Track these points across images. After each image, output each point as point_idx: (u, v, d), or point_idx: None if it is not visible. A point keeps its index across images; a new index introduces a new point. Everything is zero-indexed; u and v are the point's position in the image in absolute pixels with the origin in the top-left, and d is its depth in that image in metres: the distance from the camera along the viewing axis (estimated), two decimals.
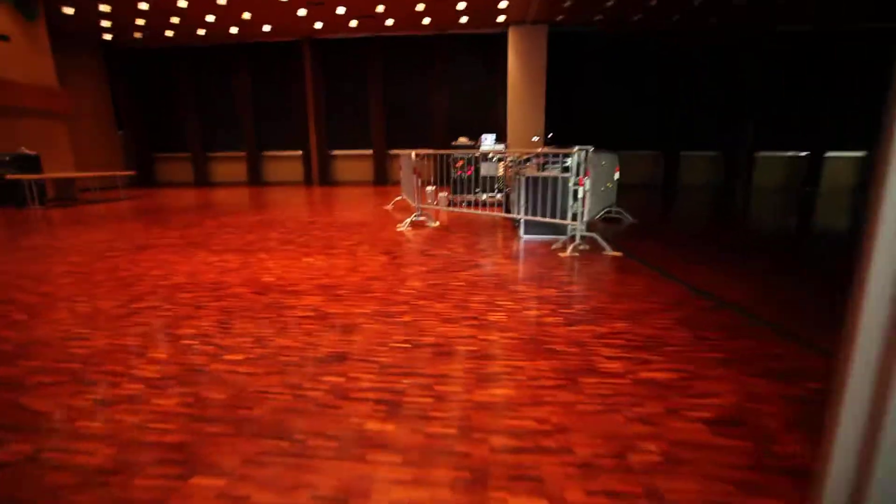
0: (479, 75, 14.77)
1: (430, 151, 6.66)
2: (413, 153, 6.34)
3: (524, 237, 5.67)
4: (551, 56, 13.82)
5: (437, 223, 6.76)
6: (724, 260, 4.59)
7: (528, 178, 5.52)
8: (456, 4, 12.00)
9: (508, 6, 12.09)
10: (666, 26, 13.43)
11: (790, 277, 4.02)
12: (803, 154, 14.25)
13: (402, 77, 15.08)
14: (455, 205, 8.97)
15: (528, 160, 5.99)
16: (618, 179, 7.24)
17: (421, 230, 6.33)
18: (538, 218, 5.31)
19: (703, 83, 14.23)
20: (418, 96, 15.13)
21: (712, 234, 6.28)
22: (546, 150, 5.18)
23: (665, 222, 7.31)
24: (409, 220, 6.46)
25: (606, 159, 6.03)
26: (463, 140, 9.42)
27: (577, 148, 4.71)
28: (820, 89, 13.97)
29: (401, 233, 6.08)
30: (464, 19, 13.19)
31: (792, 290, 3.61)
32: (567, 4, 12.07)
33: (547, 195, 5.33)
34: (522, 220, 5.61)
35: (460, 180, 8.97)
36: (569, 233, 5.12)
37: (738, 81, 14.09)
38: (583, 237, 4.99)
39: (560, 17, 12.88)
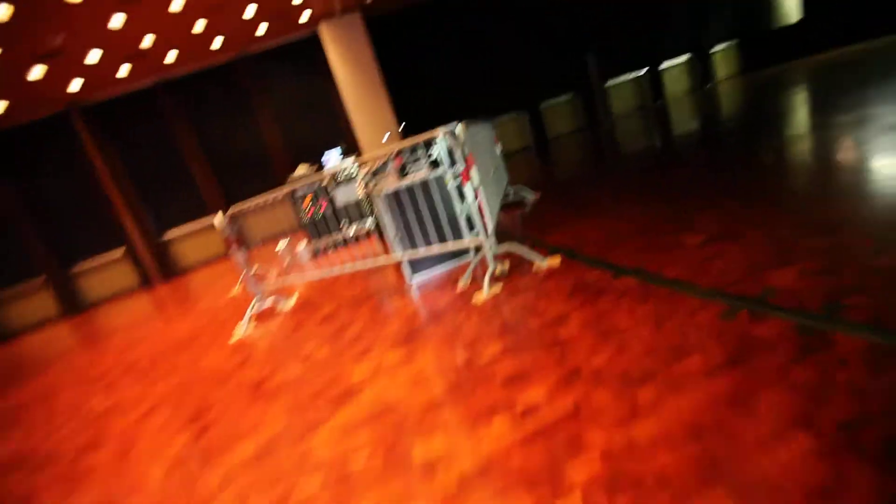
0: (305, 87, 12.60)
1: (252, 203, 4.45)
2: (218, 217, 4.14)
3: (414, 281, 3.84)
4: (379, 42, 12.16)
5: (294, 300, 4.66)
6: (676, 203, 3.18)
7: (387, 197, 3.69)
8: (242, 13, 9.74)
9: (306, 1, 10.13)
10: None
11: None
12: (643, 72, 14.34)
13: (214, 118, 12.36)
14: (319, 252, 6.87)
15: (381, 169, 4.16)
16: (501, 153, 5.73)
17: (269, 323, 4.20)
18: (422, 252, 3.51)
19: (538, 30, 13.60)
20: (242, 132, 12.53)
21: (622, 179, 5.04)
22: (398, 144, 3.40)
23: (571, 184, 5.98)
24: (249, 313, 4.28)
25: (481, 133, 4.41)
26: (302, 169, 7.31)
27: (441, 130, 2.97)
28: (643, 9, 14.11)
29: (239, 343, 3.90)
30: (262, 29, 10.94)
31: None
32: None
33: (423, 212, 3.55)
34: (404, 262, 3.77)
35: (316, 221, 6.89)
36: (474, 256, 3.38)
37: (568, 19, 13.68)
38: (496, 255, 3.29)
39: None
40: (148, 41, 9.43)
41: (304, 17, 10.97)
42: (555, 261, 3.15)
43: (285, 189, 4.13)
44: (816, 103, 6.04)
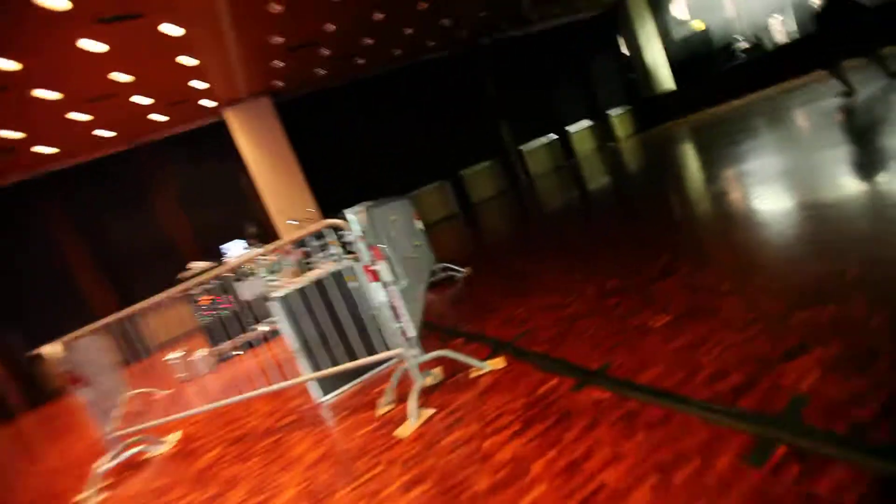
0: (213, 172, 11.63)
1: (139, 306, 3.30)
2: (49, 348, 3.05)
3: (323, 400, 3.00)
4: (292, 123, 11.69)
5: (171, 442, 3.56)
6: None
7: (283, 299, 2.91)
8: (131, 104, 8.88)
9: (210, 89, 9.54)
10: (393, 61, 12.74)
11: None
12: (554, 137, 15.18)
13: (105, 212, 10.92)
14: (220, 360, 5.75)
15: (278, 268, 3.39)
16: (422, 229, 5.20)
17: (127, 485, 3.07)
18: (327, 373, 2.73)
19: (452, 102, 14.00)
20: (141, 225, 11.14)
21: (555, 242, 4.69)
22: (299, 232, 2.68)
23: (502, 253, 5.56)
24: (102, 468, 3.11)
25: (396, 212, 3.85)
26: (197, 266, 6.28)
27: (347, 214, 2.33)
28: (545, 80, 15.19)
29: None
30: (159, 118, 10.08)
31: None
32: (279, 74, 10.23)
33: (325, 318, 2.81)
34: (309, 383, 2.95)
35: (218, 321, 5.82)
36: (396, 372, 2.64)
37: (480, 91, 14.27)
38: (424, 364, 2.58)
39: (279, 84, 10.90)
40: (15, 135, 8.22)
41: (208, 103, 10.34)
42: (498, 363, 2.51)
43: (176, 289, 3.19)
44: (708, 157, 6.31)
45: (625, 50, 16.50)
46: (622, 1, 15.40)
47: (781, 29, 14.41)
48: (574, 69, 15.87)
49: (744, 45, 14.62)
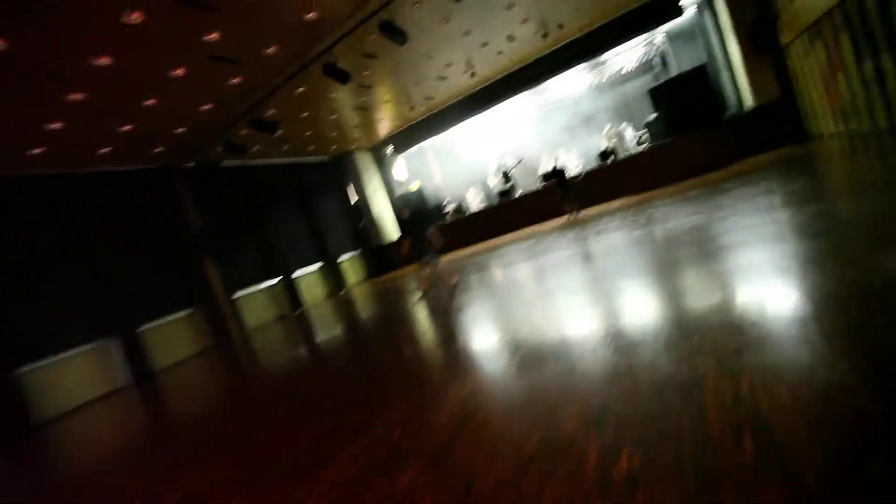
0: None
1: None
2: None
3: None
4: None
5: None
6: None
7: None
8: None
9: None
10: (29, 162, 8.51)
11: None
12: (276, 281, 13.04)
13: None
14: None
15: None
16: None
17: None
18: None
19: (136, 230, 10.25)
20: None
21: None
22: None
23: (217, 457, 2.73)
24: None
25: None
26: None
27: None
28: (269, 218, 13.25)
29: None
30: None
31: None
32: None
33: None
34: None
35: None
36: None
37: (180, 224, 11.07)
38: None
39: None
40: None
41: None
42: None
43: None
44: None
45: (353, 197, 16.68)
46: (349, 154, 15.83)
47: (475, 199, 17.18)
48: (303, 210, 14.75)
49: (452, 206, 16.74)
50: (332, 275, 14.68)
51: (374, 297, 10.67)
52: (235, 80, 8.09)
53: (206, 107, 8.72)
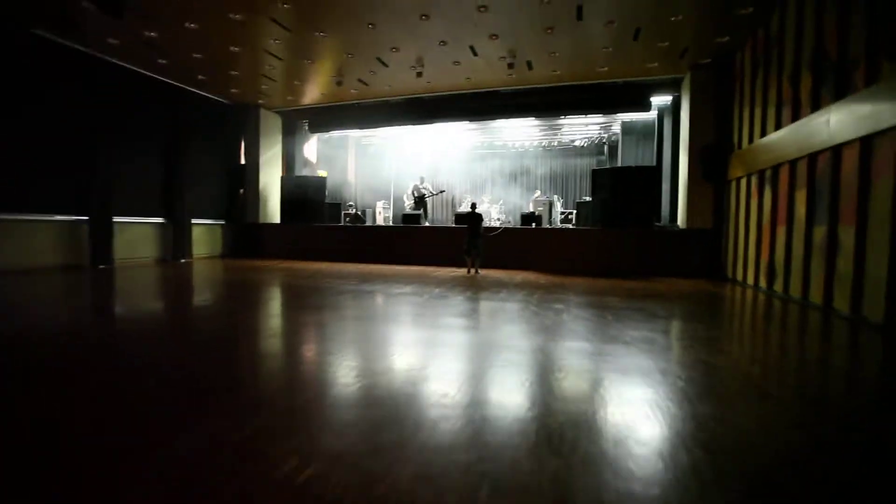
0: None
1: None
2: None
3: None
4: None
5: None
6: None
7: None
8: None
9: None
10: None
11: None
12: (82, 219, 9.78)
13: None
14: None
15: None
16: None
17: None
18: None
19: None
20: None
21: None
22: None
23: None
24: None
25: None
26: None
27: None
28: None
29: None
30: None
31: None
32: None
33: None
34: None
35: None
36: None
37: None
38: None
39: None
40: None
41: None
42: None
43: None
44: None
45: (242, 159, 13.85)
46: (254, 108, 13.10)
47: (382, 213, 15.25)
48: (157, 145, 11.62)
49: (352, 211, 14.74)
50: (175, 237, 11.61)
51: (210, 279, 8.04)
52: None
53: None
